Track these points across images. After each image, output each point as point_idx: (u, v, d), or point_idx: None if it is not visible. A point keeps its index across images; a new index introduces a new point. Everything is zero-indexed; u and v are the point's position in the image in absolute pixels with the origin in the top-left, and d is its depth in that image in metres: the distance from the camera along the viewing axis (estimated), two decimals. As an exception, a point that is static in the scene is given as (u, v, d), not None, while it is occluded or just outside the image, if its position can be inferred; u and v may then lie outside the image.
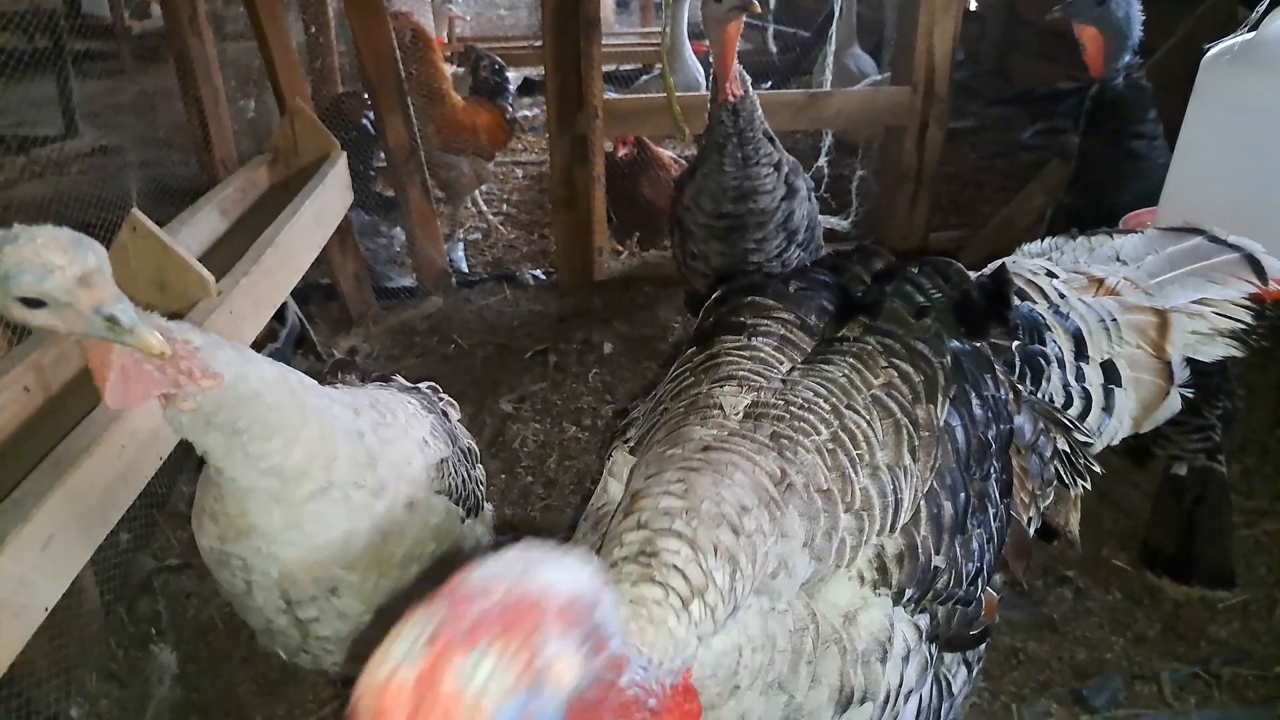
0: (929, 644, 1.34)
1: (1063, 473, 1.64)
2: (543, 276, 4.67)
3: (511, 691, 0.68)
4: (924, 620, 1.32)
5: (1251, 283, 1.74)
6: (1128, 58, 2.68)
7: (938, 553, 1.30)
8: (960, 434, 1.35)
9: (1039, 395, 1.64)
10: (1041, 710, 2.28)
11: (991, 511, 1.41)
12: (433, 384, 2.24)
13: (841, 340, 1.42)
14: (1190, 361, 1.77)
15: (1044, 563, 2.68)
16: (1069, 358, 1.69)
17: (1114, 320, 1.73)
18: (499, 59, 5.29)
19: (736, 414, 1.32)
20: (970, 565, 1.35)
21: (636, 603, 1.04)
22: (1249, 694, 2.28)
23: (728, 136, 2.91)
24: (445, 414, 2.10)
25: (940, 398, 1.36)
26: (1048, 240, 2.00)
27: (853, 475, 1.26)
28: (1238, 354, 1.77)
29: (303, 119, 3.51)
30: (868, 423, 1.31)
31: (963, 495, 1.34)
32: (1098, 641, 2.47)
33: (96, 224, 2.80)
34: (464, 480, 1.93)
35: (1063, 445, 1.63)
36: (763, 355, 1.42)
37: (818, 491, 1.23)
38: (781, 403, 1.31)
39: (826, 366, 1.37)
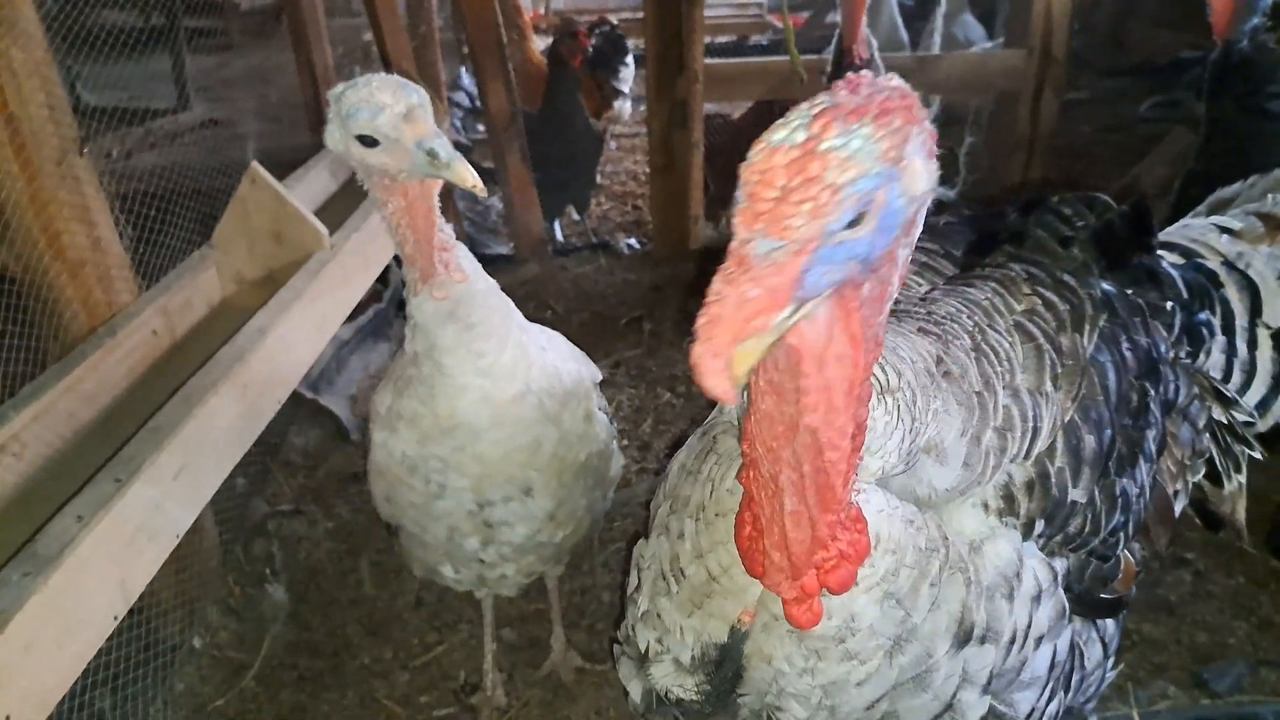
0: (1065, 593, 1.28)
1: (1216, 453, 1.54)
2: (637, 246, 4.68)
3: (876, 164, 0.78)
4: (1060, 564, 1.25)
5: None
6: (1256, 20, 2.54)
7: (1074, 486, 1.22)
8: (1111, 372, 1.28)
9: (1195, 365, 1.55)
10: (1158, 692, 2.19)
11: (1144, 466, 1.34)
12: None
13: (985, 267, 1.37)
14: None
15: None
16: (1242, 320, 1.56)
17: None
18: (617, 29, 5.31)
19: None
20: (1113, 515, 1.28)
21: None
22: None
23: None
24: None
25: (1087, 328, 1.29)
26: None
27: (998, 389, 1.20)
28: None
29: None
30: (1009, 344, 1.25)
31: (1108, 433, 1.26)
32: (1219, 626, 2.35)
33: (214, 190, 2.90)
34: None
35: (1220, 416, 1.53)
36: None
37: (972, 391, 1.18)
38: (923, 311, 1.27)
39: (969, 289, 1.32)
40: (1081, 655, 1.34)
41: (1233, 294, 1.56)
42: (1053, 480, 1.21)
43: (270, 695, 2.28)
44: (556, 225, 4.90)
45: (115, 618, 1.49)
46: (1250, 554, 2.52)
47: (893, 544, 1.09)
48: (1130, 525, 1.34)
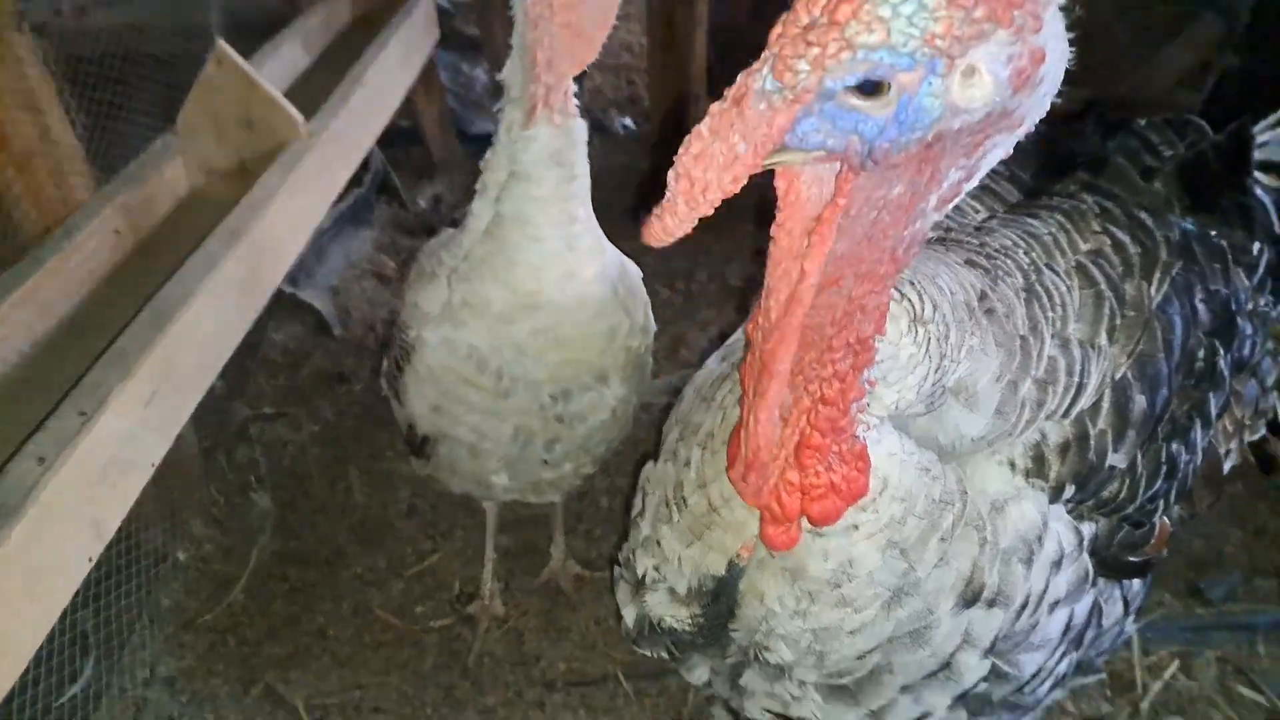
0: (1090, 557, 1.20)
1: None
2: (633, 126, 4.43)
3: (914, 43, 0.67)
4: (1088, 528, 1.17)
5: None
6: None
7: (1115, 451, 1.13)
8: (1178, 325, 1.16)
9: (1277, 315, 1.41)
10: (1154, 600, 2.19)
11: (1201, 431, 1.24)
12: None
13: (1054, 195, 1.23)
14: None
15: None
16: None
17: None
18: None
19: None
20: (1154, 483, 1.19)
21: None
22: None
23: None
24: None
25: (1158, 275, 1.17)
26: None
27: (1045, 336, 1.10)
28: None
29: (385, -56, 3.24)
30: (1067, 288, 1.14)
31: (1164, 394, 1.16)
32: (1214, 534, 2.35)
33: (177, 55, 2.64)
34: None
35: None
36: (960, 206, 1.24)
37: (1015, 334, 1.08)
38: (976, 242, 1.16)
39: (1032, 220, 1.20)
40: (1100, 614, 1.27)
41: None
42: (1092, 443, 1.11)
43: (261, 608, 2.22)
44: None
45: (90, 559, 1.38)
46: (1248, 464, 2.49)
47: (902, 491, 1.01)
48: (1174, 493, 1.25)
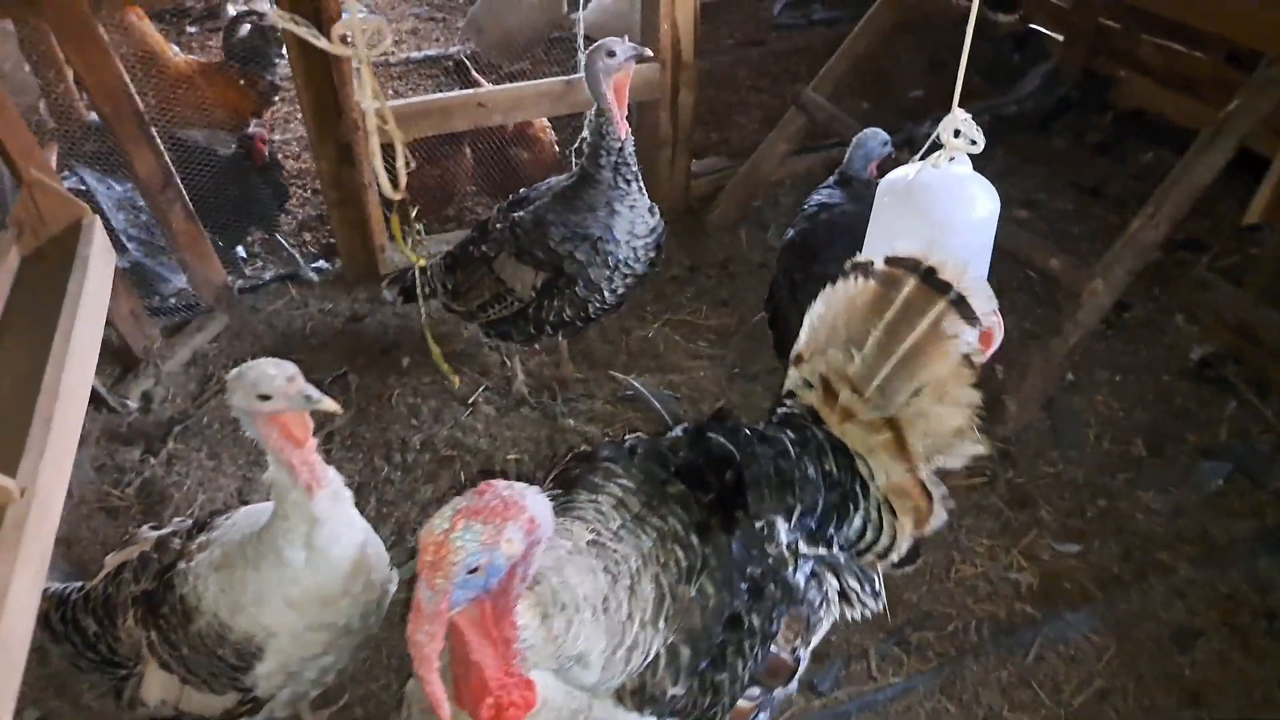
0: None
1: (843, 608, 2.15)
2: (329, 267, 4.68)
3: (479, 547, 1.44)
4: None
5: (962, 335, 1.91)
6: None
7: (674, 686, 1.85)
8: (711, 607, 1.88)
9: (845, 530, 2.12)
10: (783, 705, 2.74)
11: (741, 662, 1.95)
12: None
13: (655, 514, 1.93)
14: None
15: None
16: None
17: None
18: (264, 20, 4.96)
19: (583, 540, 1.85)
20: (708, 698, 1.92)
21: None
22: (932, 655, 2.93)
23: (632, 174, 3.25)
24: None
25: (699, 578, 1.88)
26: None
27: (635, 622, 1.81)
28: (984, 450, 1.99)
29: (43, 190, 3.34)
30: (650, 588, 1.85)
31: (704, 646, 1.87)
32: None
33: None
34: None
35: (852, 584, 2.14)
36: (604, 510, 1.93)
37: (619, 621, 1.79)
38: (610, 549, 1.85)
39: (641, 537, 1.89)
40: None
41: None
42: (656, 684, 1.84)
43: None
44: (241, 249, 4.76)
45: None
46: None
47: (553, 705, 1.75)
48: (729, 698, 1.99)
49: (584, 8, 4.54)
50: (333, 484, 2.19)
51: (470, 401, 3.90)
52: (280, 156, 5.15)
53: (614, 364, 4.11)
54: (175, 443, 3.70)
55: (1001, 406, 3.72)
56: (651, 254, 3.44)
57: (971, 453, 2.01)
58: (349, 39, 1.71)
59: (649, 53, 3.21)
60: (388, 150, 1.84)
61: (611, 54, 3.10)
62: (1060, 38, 5.86)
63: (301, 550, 2.15)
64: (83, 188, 4.60)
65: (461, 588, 1.46)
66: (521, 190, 3.57)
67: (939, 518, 2.11)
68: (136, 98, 3.73)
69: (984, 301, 1.96)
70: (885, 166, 3.26)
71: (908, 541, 2.16)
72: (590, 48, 3.21)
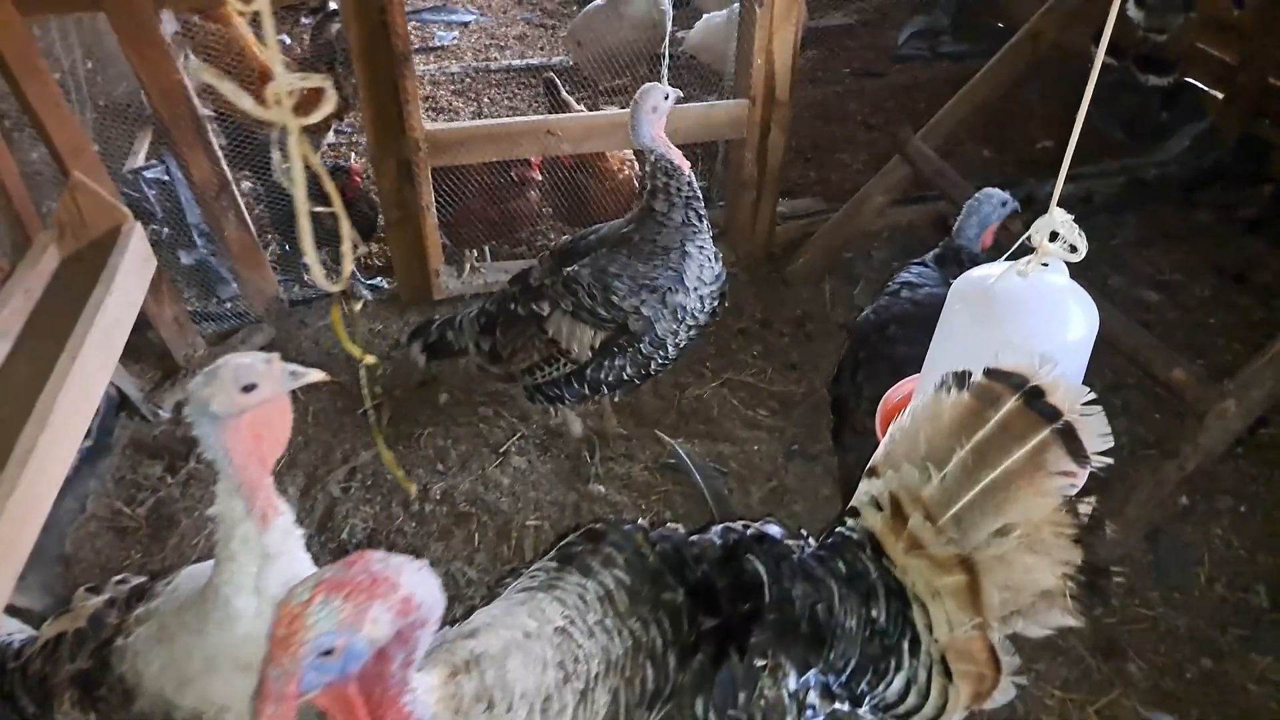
0: None
1: None
2: (385, 286, 4.53)
3: (335, 626, 1.22)
4: None
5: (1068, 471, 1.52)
6: None
7: None
8: None
9: (882, 690, 1.75)
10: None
11: None
12: None
13: (637, 619, 1.67)
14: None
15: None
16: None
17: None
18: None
19: (551, 624, 1.61)
20: None
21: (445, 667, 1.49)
22: None
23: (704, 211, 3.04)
24: None
25: (659, 707, 1.62)
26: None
27: None
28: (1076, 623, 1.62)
29: (84, 191, 3.23)
30: (604, 699, 1.60)
31: None
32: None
33: None
34: None
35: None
36: (588, 599, 1.68)
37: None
38: (576, 642, 1.61)
39: (614, 640, 1.64)
40: None
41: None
42: None
43: None
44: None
45: None
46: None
47: None
48: None
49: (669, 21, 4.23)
50: (285, 517, 1.96)
51: (502, 450, 3.64)
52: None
53: (662, 423, 3.78)
54: (196, 462, 3.57)
55: (1097, 527, 3.21)
56: (714, 303, 3.12)
57: (1058, 624, 1.62)
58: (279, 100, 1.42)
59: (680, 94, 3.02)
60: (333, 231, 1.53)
61: (664, 98, 2.90)
62: (1220, 95, 5.18)
63: (252, 598, 1.90)
64: (165, 179, 4.58)
65: (315, 670, 1.26)
66: (565, 238, 3.28)
67: (1006, 693, 1.70)
68: (195, 101, 3.62)
69: (1098, 439, 1.57)
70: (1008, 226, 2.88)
71: (960, 715, 1.76)
72: (640, 90, 2.92)
